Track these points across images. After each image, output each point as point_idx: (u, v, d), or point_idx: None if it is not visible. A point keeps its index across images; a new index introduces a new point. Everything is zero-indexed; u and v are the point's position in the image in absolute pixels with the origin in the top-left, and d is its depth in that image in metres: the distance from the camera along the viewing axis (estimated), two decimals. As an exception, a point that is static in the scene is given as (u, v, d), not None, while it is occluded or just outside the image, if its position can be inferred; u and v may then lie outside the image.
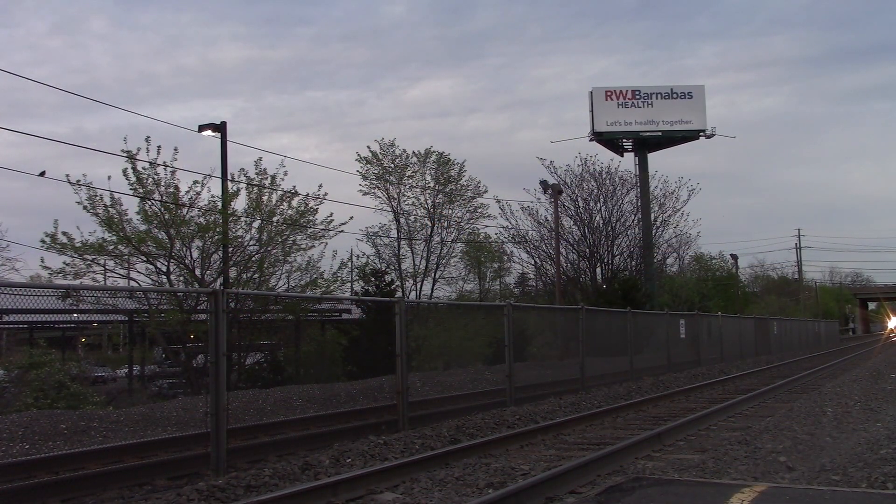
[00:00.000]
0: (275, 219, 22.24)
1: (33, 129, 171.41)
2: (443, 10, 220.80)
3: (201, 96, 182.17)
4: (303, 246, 22.88)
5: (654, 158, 53.79)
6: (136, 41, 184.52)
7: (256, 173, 22.18)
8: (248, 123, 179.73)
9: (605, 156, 49.70)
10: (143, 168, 20.22)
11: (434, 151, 35.24)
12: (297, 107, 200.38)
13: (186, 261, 21.04)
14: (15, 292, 10.28)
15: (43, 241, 19.17)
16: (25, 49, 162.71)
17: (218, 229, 20.95)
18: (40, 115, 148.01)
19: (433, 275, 35.68)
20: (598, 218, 42.22)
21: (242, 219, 21.91)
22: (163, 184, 20.52)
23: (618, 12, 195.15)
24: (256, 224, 22.10)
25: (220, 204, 21.28)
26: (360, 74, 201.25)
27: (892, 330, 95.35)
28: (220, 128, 23.21)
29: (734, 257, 66.20)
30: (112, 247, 19.96)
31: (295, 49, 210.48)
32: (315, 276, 23.12)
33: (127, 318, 25.77)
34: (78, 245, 19.32)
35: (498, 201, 45.30)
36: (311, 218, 23.06)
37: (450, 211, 35.81)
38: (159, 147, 20.45)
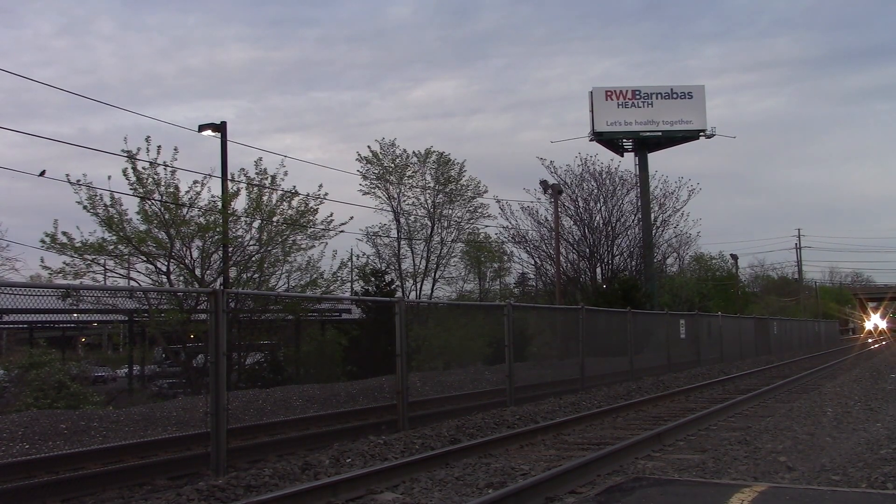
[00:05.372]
0: (275, 219, 22.25)
1: (39, 129, 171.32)
2: (447, 12, 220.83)
3: (206, 97, 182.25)
4: (303, 246, 22.92)
5: (654, 158, 53.85)
6: (142, 42, 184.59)
7: (257, 173, 22.21)
8: (251, 124, 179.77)
9: (605, 156, 49.79)
10: (143, 168, 20.26)
11: (434, 151, 35.32)
12: (301, 107, 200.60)
13: (186, 261, 21.05)
14: (15, 292, 10.29)
15: (43, 241, 19.19)
16: (33, 50, 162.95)
17: (218, 229, 20.95)
18: (46, 115, 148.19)
19: (433, 275, 35.73)
20: (598, 218, 42.28)
21: (242, 219, 21.94)
22: (163, 184, 20.55)
23: (622, 14, 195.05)
24: (256, 224, 22.13)
25: (220, 204, 21.28)
26: (365, 75, 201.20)
27: (870, 331, 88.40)
28: (220, 128, 23.20)
29: (734, 257, 66.19)
30: (112, 247, 19.96)
31: (300, 50, 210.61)
32: (315, 276, 23.14)
33: (127, 318, 25.78)
34: (78, 245, 19.32)
35: (498, 201, 45.52)
36: (311, 218, 23.08)
37: (450, 211, 35.89)
38: (159, 147, 20.49)
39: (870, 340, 65.76)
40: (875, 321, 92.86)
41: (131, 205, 21.70)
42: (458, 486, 8.03)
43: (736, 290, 65.88)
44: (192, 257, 21.15)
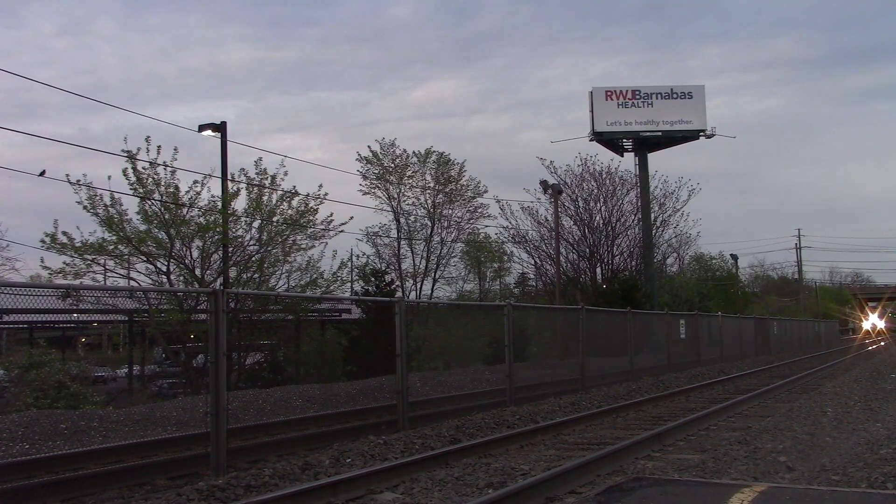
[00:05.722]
0: (275, 219, 22.24)
1: (39, 129, 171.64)
2: (448, 12, 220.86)
3: (206, 97, 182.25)
4: (303, 246, 22.90)
5: (654, 158, 53.85)
6: (142, 42, 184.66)
7: (256, 173, 22.20)
8: (252, 124, 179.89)
9: (605, 156, 49.74)
10: (143, 168, 20.26)
11: (434, 151, 35.32)
12: (301, 108, 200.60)
13: (186, 261, 21.04)
14: (15, 292, 10.28)
15: (43, 241, 19.18)
16: (33, 50, 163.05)
17: (218, 229, 20.95)
18: (46, 115, 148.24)
19: (433, 275, 35.72)
20: (598, 218, 42.21)
21: (242, 219, 21.92)
22: (163, 184, 20.55)
23: (622, 14, 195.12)
24: (256, 224, 22.12)
25: (220, 204, 21.28)
26: (365, 76, 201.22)
27: (868, 331, 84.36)
28: (220, 128, 23.21)
29: (734, 257, 66.22)
30: (112, 247, 19.96)
31: (301, 50, 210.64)
32: (315, 276, 23.12)
33: (127, 318, 25.77)
34: (78, 245, 19.31)
35: (498, 201, 45.46)
36: (311, 218, 23.06)
37: (450, 211, 35.87)
38: (159, 147, 20.49)
39: (867, 341, 63.58)
40: (873, 321, 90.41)
41: (131, 205, 21.71)
42: (458, 486, 8.03)
43: (736, 290, 65.87)
44: (192, 257, 21.15)
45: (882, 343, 56.02)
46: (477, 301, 36.48)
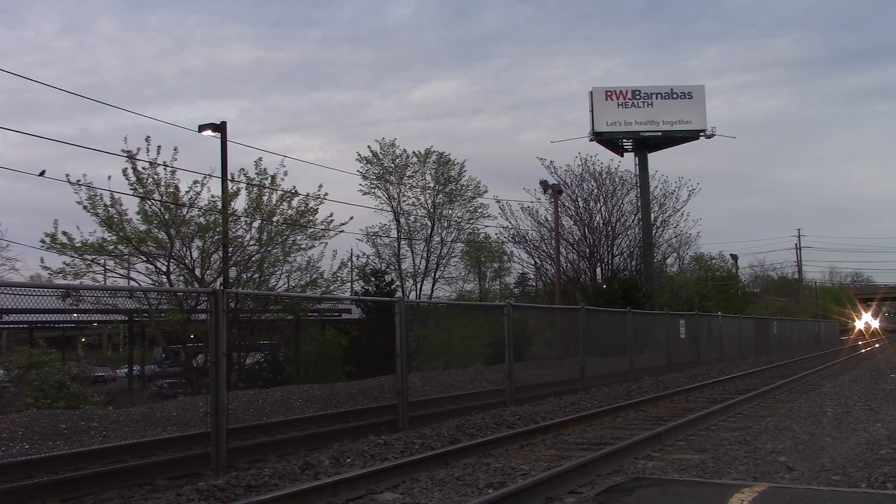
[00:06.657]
0: (275, 219, 22.23)
1: (40, 129, 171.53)
2: (448, 12, 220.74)
3: (207, 97, 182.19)
4: (303, 246, 22.88)
5: (654, 158, 53.74)
6: (143, 43, 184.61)
7: (256, 173, 22.19)
8: (252, 124, 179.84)
9: (605, 156, 49.71)
10: (143, 168, 20.24)
11: (434, 151, 35.38)
12: (302, 108, 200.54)
13: (186, 261, 21.03)
14: (15, 292, 10.29)
15: (43, 241, 19.17)
16: (34, 50, 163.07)
17: (218, 229, 20.94)
18: (47, 115, 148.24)
19: (433, 275, 35.76)
20: (598, 218, 42.20)
21: (242, 219, 21.91)
22: (163, 184, 20.53)
23: (623, 14, 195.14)
24: (256, 224, 22.11)
25: (220, 204, 21.27)
26: (366, 76, 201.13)
27: (861, 331, 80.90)
28: (220, 128, 23.21)
29: (734, 257, 66.23)
30: (112, 247, 19.95)
31: (301, 50, 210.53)
32: (315, 276, 23.11)
33: (127, 318, 25.76)
34: (78, 245, 19.30)
35: (498, 201, 45.44)
36: (311, 218, 23.05)
37: (450, 211, 35.92)
38: (159, 147, 20.46)
39: (860, 343, 60.24)
40: (866, 320, 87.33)
41: (131, 205, 21.71)
42: (458, 486, 8.03)
43: (736, 290, 65.85)
44: (192, 257, 21.13)
45: (876, 345, 54.54)
46: (477, 301, 36.49)
